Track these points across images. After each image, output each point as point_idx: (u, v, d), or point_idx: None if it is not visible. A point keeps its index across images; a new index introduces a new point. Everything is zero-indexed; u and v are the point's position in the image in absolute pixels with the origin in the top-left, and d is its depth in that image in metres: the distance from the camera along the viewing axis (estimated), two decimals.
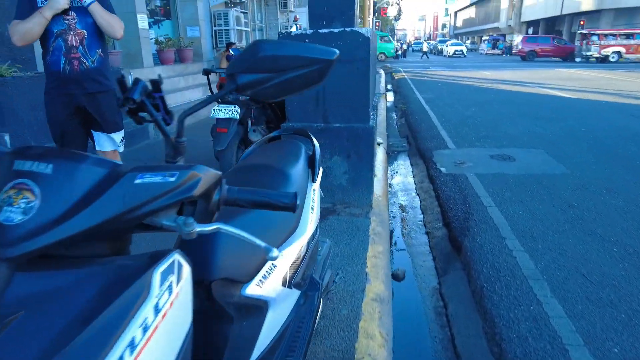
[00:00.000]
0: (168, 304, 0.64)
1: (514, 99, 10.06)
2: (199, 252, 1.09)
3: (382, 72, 18.63)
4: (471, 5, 61.69)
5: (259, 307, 1.18)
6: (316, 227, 1.52)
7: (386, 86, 14.46)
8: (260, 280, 1.15)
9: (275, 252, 0.79)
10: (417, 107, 9.22)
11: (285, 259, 1.25)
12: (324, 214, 3.14)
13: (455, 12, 76.36)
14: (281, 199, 0.79)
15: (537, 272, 2.55)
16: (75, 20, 2.47)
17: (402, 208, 4.07)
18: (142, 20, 7.49)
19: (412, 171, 5.24)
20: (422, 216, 3.87)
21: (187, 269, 0.72)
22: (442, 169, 4.69)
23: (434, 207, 3.92)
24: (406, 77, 17.07)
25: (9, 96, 3.68)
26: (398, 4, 43.49)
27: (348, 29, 3.00)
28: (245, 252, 1.13)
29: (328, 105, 3.18)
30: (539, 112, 8.06)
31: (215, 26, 10.52)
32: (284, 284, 1.24)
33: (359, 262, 2.48)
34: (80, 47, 2.50)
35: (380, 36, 29.40)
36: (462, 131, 6.56)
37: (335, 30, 3.03)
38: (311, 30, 3.07)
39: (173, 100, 7.05)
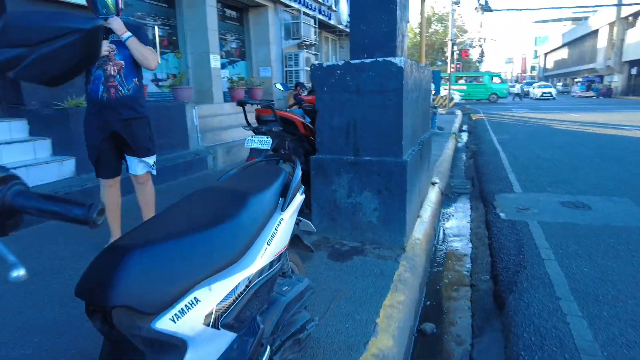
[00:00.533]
0: None
1: (601, 141, 9.00)
2: (98, 273, 0.96)
3: (459, 112, 18.03)
4: (563, 46, 58.33)
5: (175, 345, 1.01)
6: (274, 262, 1.33)
7: (460, 127, 13.88)
8: (175, 314, 0.99)
9: (19, 272, 0.62)
10: (489, 147, 8.63)
11: (214, 293, 1.08)
12: (350, 253, 2.90)
13: (545, 54, 72.66)
14: (73, 210, 0.63)
15: (596, 347, 2.05)
16: (114, 52, 2.64)
17: (449, 255, 3.66)
18: (215, 60, 8.04)
19: (470, 215, 4.77)
20: (469, 265, 3.42)
21: None
22: (502, 214, 4.19)
23: (485, 257, 3.46)
24: (484, 118, 16.31)
25: (77, 124, 4.04)
26: (481, 46, 42.50)
27: (380, 59, 2.85)
28: (156, 279, 0.98)
29: (359, 138, 3.00)
30: (631, 156, 7.06)
31: (286, 67, 10.99)
32: (208, 323, 1.06)
33: (371, 311, 2.19)
34: (118, 76, 2.67)
35: (492, 76, 29.58)
36: (533, 174, 5.93)
37: (367, 61, 2.89)
38: (342, 61, 2.97)
39: (237, 134, 7.34)
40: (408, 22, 3.83)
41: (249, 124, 3.53)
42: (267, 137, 3.30)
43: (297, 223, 1.75)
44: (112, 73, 2.65)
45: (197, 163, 5.85)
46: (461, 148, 9.57)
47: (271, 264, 1.31)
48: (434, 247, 3.68)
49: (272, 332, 1.38)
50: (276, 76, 10.66)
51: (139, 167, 2.88)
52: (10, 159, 4.01)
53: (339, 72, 2.98)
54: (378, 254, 2.89)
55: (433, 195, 4.57)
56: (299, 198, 1.54)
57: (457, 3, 24.35)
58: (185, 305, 1.01)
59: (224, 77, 9.07)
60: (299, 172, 1.56)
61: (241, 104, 3.46)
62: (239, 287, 1.14)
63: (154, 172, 2.97)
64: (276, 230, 1.36)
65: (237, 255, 1.16)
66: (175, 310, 0.99)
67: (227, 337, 1.15)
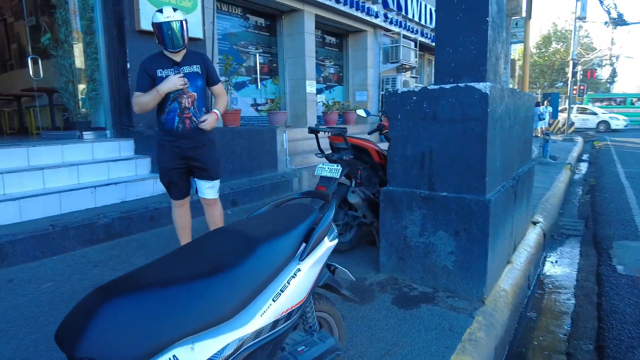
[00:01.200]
0: None
1: None
2: (72, 320, 0.91)
3: (580, 139, 16.01)
4: None
5: None
6: (279, 322, 1.16)
7: (580, 156, 12.26)
8: None
9: None
10: (613, 182, 7.42)
11: (196, 354, 0.95)
12: (417, 300, 2.59)
13: None
14: None
15: None
16: (188, 85, 2.74)
17: (544, 311, 3.10)
18: (310, 86, 8.24)
19: (577, 263, 4.04)
20: (568, 327, 2.84)
21: None
22: (619, 267, 3.47)
23: (590, 319, 2.85)
24: (610, 145, 14.21)
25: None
26: (612, 65, 37.59)
27: (462, 84, 2.55)
28: (132, 332, 0.89)
29: (435, 170, 2.70)
30: None
31: (382, 90, 10.86)
32: None
33: None
34: (192, 107, 2.78)
35: None
36: None
37: (447, 86, 2.61)
38: (420, 87, 2.73)
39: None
40: (505, 42, 3.42)
41: (321, 151, 3.44)
42: (337, 166, 3.16)
43: (333, 270, 1.57)
44: (187, 105, 2.75)
45: (283, 185, 5.95)
46: (577, 181, 8.38)
47: (275, 323, 1.15)
48: (525, 300, 3.14)
49: None
50: (372, 100, 10.59)
51: (207, 190, 2.97)
52: (116, 174, 4.48)
53: (414, 98, 2.74)
54: (451, 305, 2.53)
55: (532, 236, 3.97)
56: (327, 245, 1.37)
57: (582, 19, 21.94)
58: None
59: (319, 102, 9.26)
60: (329, 215, 1.39)
61: (312, 131, 3.39)
62: (226, 350, 1.01)
63: (216, 195, 3.05)
64: (288, 283, 1.20)
65: (230, 312, 1.03)
66: None
67: None
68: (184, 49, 2.75)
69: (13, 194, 3.69)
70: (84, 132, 5.04)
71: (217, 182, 2.98)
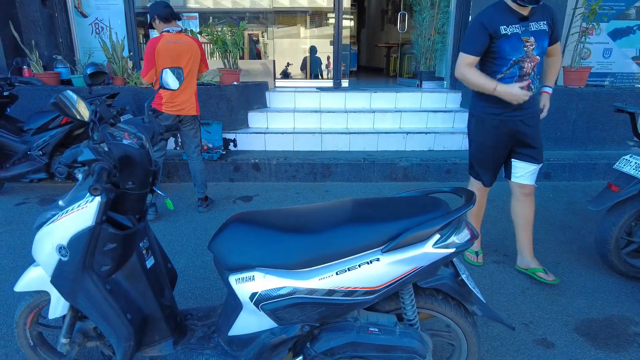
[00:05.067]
0: None
1: None
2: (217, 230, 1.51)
3: None
4: None
5: (239, 301, 1.41)
6: (336, 293, 1.30)
7: None
8: (238, 279, 1.40)
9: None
10: None
11: (264, 281, 1.34)
12: None
13: None
14: None
15: None
16: (533, 47, 2.24)
17: None
18: None
19: None
20: None
21: None
22: None
23: None
24: None
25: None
26: None
27: None
28: (233, 248, 1.39)
29: None
30: None
31: None
32: (252, 300, 1.37)
33: None
34: (532, 73, 2.29)
35: None
36: None
37: None
38: None
39: None
40: None
41: (638, 137, 2.47)
42: None
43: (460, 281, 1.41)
44: (528, 70, 2.28)
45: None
46: None
47: (331, 292, 1.29)
48: None
49: (324, 352, 1.37)
50: None
51: (529, 174, 2.44)
52: (433, 124, 4.87)
53: None
54: None
55: None
56: (426, 250, 1.27)
57: None
58: (246, 276, 1.34)
59: None
60: (436, 221, 1.27)
61: (620, 110, 2.44)
62: (282, 290, 1.30)
63: (536, 185, 2.51)
64: (359, 266, 1.27)
65: (298, 265, 1.29)
66: (239, 276, 1.35)
67: (266, 321, 1.36)
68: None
69: (352, 129, 4.80)
70: (423, 81, 5.63)
71: (538, 166, 2.44)
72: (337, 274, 1.28)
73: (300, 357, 1.44)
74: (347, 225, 1.30)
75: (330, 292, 1.29)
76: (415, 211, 1.33)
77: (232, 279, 1.36)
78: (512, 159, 2.47)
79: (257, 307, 1.33)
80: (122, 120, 1.61)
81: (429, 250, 1.27)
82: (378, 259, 1.27)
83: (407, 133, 4.62)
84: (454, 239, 1.31)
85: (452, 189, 1.48)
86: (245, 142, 4.62)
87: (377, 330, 1.36)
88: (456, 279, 1.42)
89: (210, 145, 4.35)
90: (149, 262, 1.63)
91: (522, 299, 2.37)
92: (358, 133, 4.63)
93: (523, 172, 2.44)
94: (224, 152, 4.37)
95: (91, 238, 1.36)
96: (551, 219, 3.44)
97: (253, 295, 1.32)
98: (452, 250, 1.29)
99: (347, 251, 1.28)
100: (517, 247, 2.62)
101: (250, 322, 1.41)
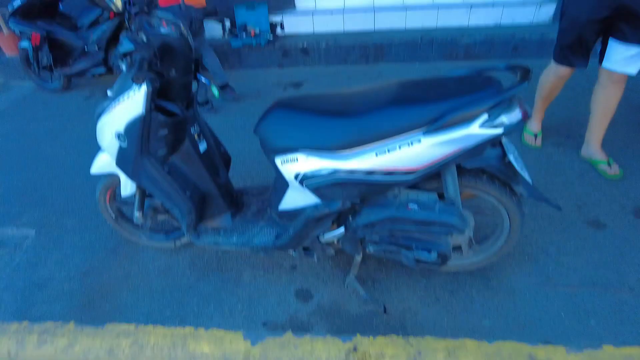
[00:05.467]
0: None
1: None
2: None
3: None
4: None
5: (285, 181, 1.53)
6: (377, 173, 1.36)
7: None
8: (283, 160, 1.48)
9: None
10: None
11: (307, 162, 1.42)
12: None
13: None
14: None
15: None
16: None
17: None
18: None
19: None
20: None
21: None
22: None
23: None
24: None
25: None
26: None
27: None
28: (278, 131, 1.46)
29: None
30: None
31: None
32: (297, 179, 1.46)
33: None
34: None
35: None
36: None
37: None
38: None
39: None
40: None
41: None
42: None
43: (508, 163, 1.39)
44: None
45: None
46: None
47: (371, 172, 1.32)
48: None
49: (364, 226, 1.46)
50: None
51: (629, 60, 2.05)
52: None
53: None
54: None
55: None
56: (472, 131, 1.23)
57: None
58: (290, 158, 1.41)
59: None
60: (484, 99, 1.21)
61: None
62: (323, 170, 1.36)
63: (634, 72, 2.11)
64: (399, 148, 1.26)
65: (338, 147, 1.32)
66: (284, 157, 1.43)
67: (310, 197, 1.47)
68: None
69: (408, 3, 4.35)
70: None
71: None
72: (376, 155, 1.30)
73: (342, 228, 1.56)
74: (388, 107, 1.27)
75: (370, 172, 1.32)
76: (462, 90, 1.26)
77: (278, 161, 1.43)
78: (611, 37, 2.07)
79: (302, 185, 1.41)
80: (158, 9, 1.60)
81: (475, 131, 1.23)
82: (419, 141, 1.25)
83: (471, 6, 4.12)
84: (503, 118, 1.24)
85: (507, 65, 1.36)
86: (293, 24, 4.40)
87: (416, 206, 1.41)
88: (503, 159, 1.38)
89: (257, 31, 4.21)
90: (202, 146, 1.74)
91: (579, 182, 2.29)
92: (415, 8, 4.21)
93: (622, 56, 2.05)
94: (271, 38, 4.23)
95: (144, 125, 1.46)
96: (632, 99, 3.09)
97: (297, 175, 1.40)
98: (500, 130, 1.23)
99: (386, 133, 1.27)
100: (586, 135, 2.42)
101: (297, 198, 1.51)
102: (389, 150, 1.28)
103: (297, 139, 1.37)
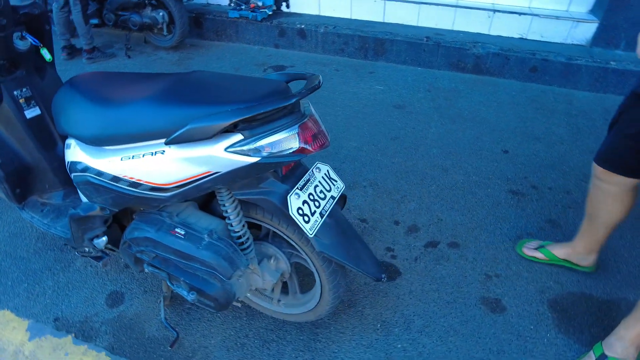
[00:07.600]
0: None
1: None
2: None
3: None
4: None
5: None
6: (122, 182, 1.17)
7: None
8: None
9: None
10: None
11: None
12: None
13: None
14: None
15: None
16: None
17: None
18: None
19: None
20: None
21: None
22: None
23: None
24: None
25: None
26: None
27: None
28: None
29: None
30: None
31: None
32: None
33: None
34: None
35: None
36: None
37: None
38: None
39: None
40: None
41: None
42: None
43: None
44: None
45: None
46: None
47: (116, 179, 1.14)
48: None
49: (130, 240, 1.29)
50: None
51: None
52: (538, 2, 3.61)
53: None
54: None
55: None
56: (214, 151, 0.96)
57: None
58: (67, 143, 1.29)
59: None
60: (247, 111, 0.91)
61: None
62: (79, 165, 1.23)
63: None
64: (142, 156, 1.06)
65: (90, 141, 1.16)
66: (67, 142, 1.32)
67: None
68: None
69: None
70: None
71: None
72: (121, 159, 1.09)
73: (105, 237, 1.36)
74: (142, 104, 1.03)
75: (116, 178, 1.11)
76: (226, 97, 0.96)
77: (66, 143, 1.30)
78: None
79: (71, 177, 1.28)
80: None
81: (219, 153, 0.93)
82: (163, 152, 0.99)
83: (495, 11, 3.54)
84: (263, 143, 0.93)
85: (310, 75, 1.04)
86: (299, 3, 4.09)
87: (183, 233, 1.14)
88: (285, 201, 1.06)
89: (260, 4, 3.95)
90: (31, 113, 1.58)
91: None
92: (431, 4, 3.70)
93: None
94: (271, 13, 3.95)
95: None
96: None
97: (67, 163, 1.28)
98: (256, 159, 0.93)
99: (133, 135, 1.04)
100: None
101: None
102: (133, 157, 1.05)
103: (68, 123, 1.20)
